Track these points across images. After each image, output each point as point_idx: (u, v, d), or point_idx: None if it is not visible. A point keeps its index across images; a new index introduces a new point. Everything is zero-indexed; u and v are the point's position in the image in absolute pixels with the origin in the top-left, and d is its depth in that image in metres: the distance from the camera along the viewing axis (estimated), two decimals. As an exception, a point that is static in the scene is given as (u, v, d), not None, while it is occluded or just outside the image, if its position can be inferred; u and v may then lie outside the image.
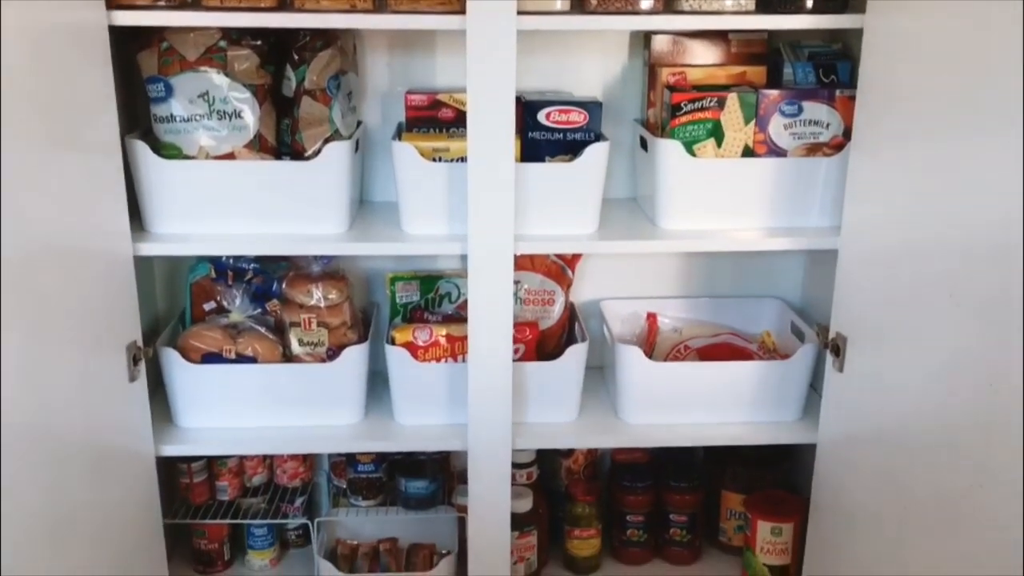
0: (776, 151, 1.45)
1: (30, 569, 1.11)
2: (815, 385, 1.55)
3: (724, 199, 1.46)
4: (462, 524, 1.63)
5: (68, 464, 1.20)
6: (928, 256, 1.15)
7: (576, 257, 1.62)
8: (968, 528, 1.09)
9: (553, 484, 1.76)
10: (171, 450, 1.48)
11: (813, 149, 1.46)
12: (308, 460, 1.73)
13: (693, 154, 1.44)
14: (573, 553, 1.69)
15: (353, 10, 1.31)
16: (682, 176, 1.44)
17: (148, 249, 1.39)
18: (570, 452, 1.74)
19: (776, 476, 1.72)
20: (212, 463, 1.66)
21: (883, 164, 1.25)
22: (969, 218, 1.06)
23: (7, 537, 1.03)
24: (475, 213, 1.35)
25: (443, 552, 1.66)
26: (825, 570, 1.48)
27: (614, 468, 1.76)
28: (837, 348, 1.38)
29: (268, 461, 1.71)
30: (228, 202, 1.40)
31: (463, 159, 1.37)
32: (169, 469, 1.64)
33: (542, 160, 1.44)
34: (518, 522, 1.58)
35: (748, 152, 1.46)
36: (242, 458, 1.68)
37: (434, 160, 1.41)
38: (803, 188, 1.46)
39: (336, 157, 1.40)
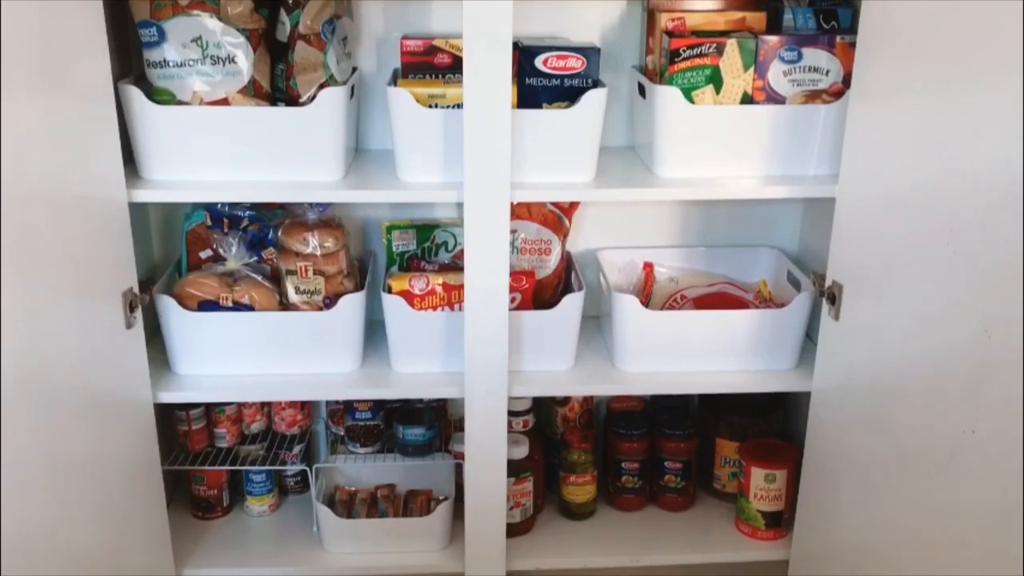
0: (775, 98, 1.44)
1: (29, 514, 1.12)
2: (811, 334, 1.55)
3: (722, 147, 1.45)
4: (459, 470, 1.65)
5: (66, 410, 1.21)
6: (927, 204, 1.15)
7: (573, 206, 1.61)
8: (960, 473, 1.10)
9: (549, 432, 1.77)
10: (168, 397, 1.49)
11: (812, 96, 1.45)
12: (306, 408, 1.74)
13: (692, 101, 1.43)
14: (569, 499, 1.71)
15: (347, -48, 1.29)
16: (680, 123, 1.43)
17: (142, 196, 1.38)
18: (566, 400, 1.76)
19: (770, 424, 1.73)
20: (210, 410, 1.67)
21: (883, 111, 1.24)
22: (969, 165, 1.05)
23: (6, 482, 1.04)
24: (471, 160, 1.34)
25: (440, 498, 1.68)
26: (818, 516, 1.50)
27: (609, 416, 1.78)
28: (833, 296, 1.38)
29: (266, 409, 1.72)
30: (222, 149, 1.39)
31: (459, 106, 1.35)
32: (167, 416, 1.65)
33: (539, 107, 1.42)
34: (514, 468, 1.60)
35: (747, 99, 1.44)
36: (240, 405, 1.69)
37: (430, 107, 1.40)
38: (802, 136, 1.45)
39: (331, 103, 1.39)
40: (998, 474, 1.03)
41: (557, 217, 1.59)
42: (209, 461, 1.67)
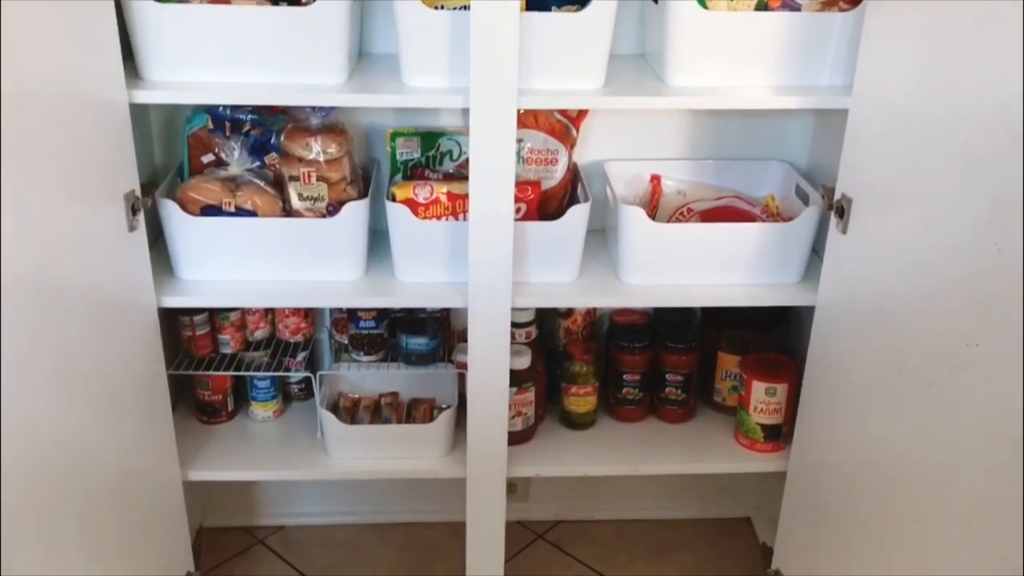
0: (790, 5, 1.40)
1: (33, 417, 1.13)
2: (817, 249, 1.54)
3: (735, 55, 1.41)
4: (462, 380, 1.66)
5: (70, 314, 1.21)
6: (942, 116, 1.12)
7: (581, 115, 1.58)
8: (962, 388, 1.11)
9: (552, 344, 1.78)
10: (172, 301, 1.49)
11: (829, 4, 1.41)
12: (310, 316, 1.74)
13: (705, 6, 1.39)
14: (570, 409, 1.73)
15: None
16: (693, 30, 1.39)
17: (143, 97, 1.35)
18: (569, 313, 1.76)
19: (772, 339, 1.73)
20: (214, 317, 1.68)
21: (901, 21, 1.20)
22: (987, 78, 1.03)
23: (9, 387, 1.05)
24: (477, 64, 1.31)
25: (443, 406, 1.70)
26: (817, 429, 1.51)
27: (612, 329, 1.78)
28: (842, 210, 1.37)
29: (270, 316, 1.72)
30: (223, 49, 1.36)
31: (466, 7, 1.32)
32: (171, 322, 1.66)
33: (548, 10, 1.38)
34: (516, 379, 1.61)
35: (762, 6, 1.40)
36: (243, 312, 1.69)
37: (436, 8, 1.36)
38: (816, 45, 1.41)
39: (335, 1, 1.35)
40: (1000, 388, 1.03)
41: (564, 127, 1.57)
42: (213, 367, 1.68)
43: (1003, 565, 1.03)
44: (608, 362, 1.77)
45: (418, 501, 1.97)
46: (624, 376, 1.73)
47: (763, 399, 1.63)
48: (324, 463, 1.66)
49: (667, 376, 1.73)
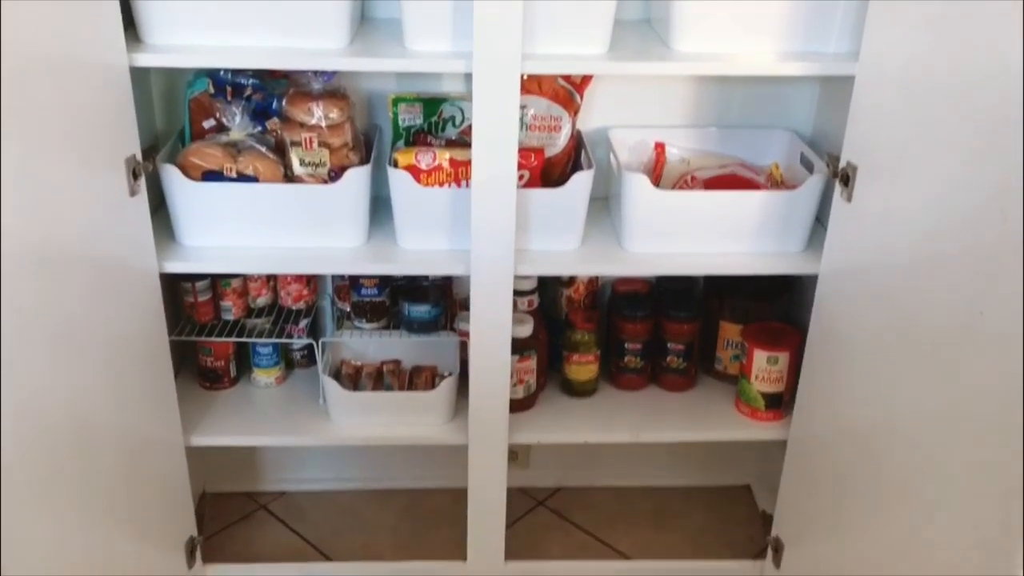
0: (798, -30, 1.39)
1: (35, 381, 1.13)
2: (821, 218, 1.53)
3: (741, 21, 1.40)
4: (464, 348, 1.66)
5: (71, 278, 1.21)
6: (949, 84, 1.11)
7: (585, 81, 1.57)
8: (965, 356, 1.11)
9: (554, 313, 1.78)
10: (173, 267, 1.48)
11: (837, -31, 1.39)
12: (312, 283, 1.74)
13: (711, -29, 1.37)
14: (571, 377, 1.73)
15: None
16: (698, -6, 1.38)
17: (143, 60, 1.34)
18: (571, 281, 1.75)
19: (775, 309, 1.73)
20: (216, 283, 1.67)
21: (910, -17, 1.19)
22: (995, 44, 1.02)
23: (12, 352, 1.05)
24: (481, 28, 1.30)
25: (445, 374, 1.70)
26: (818, 397, 1.52)
27: (614, 298, 1.78)
28: (847, 177, 1.36)
29: (272, 283, 1.72)
30: (224, 12, 1.35)
31: (470, -30, 1.30)
32: (174, 289, 1.66)
33: (553, -26, 1.37)
34: (518, 346, 1.61)
35: (769, -30, 1.39)
36: (246, 279, 1.69)
37: (439, -28, 1.34)
38: (823, 11, 1.39)
39: (336, -36, 1.34)
40: (1004, 357, 1.03)
41: (568, 92, 1.55)
42: (215, 333, 1.68)
43: (1004, 533, 1.03)
44: (610, 331, 1.77)
45: (420, 468, 1.98)
46: (626, 344, 1.74)
47: (764, 368, 1.63)
48: (326, 429, 1.66)
49: (669, 345, 1.73)
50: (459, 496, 1.70)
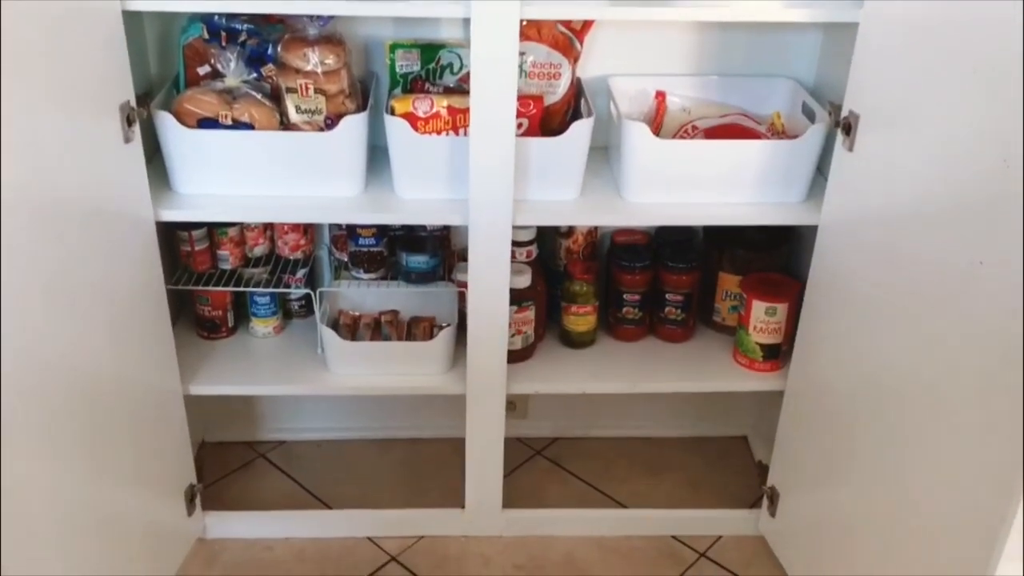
0: (803, -87, 1.36)
1: (33, 329, 1.13)
2: (822, 169, 1.52)
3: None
4: (462, 298, 1.66)
5: (67, 226, 1.20)
6: (953, 31, 1.10)
7: (585, 27, 1.54)
8: (964, 306, 1.10)
9: (552, 264, 1.77)
10: (169, 215, 1.47)
11: (843, -88, 1.36)
12: (309, 233, 1.73)
13: (714, -86, 1.35)
14: (569, 328, 1.73)
15: None
16: (701, -62, 1.36)
17: (135, 4, 1.32)
18: (570, 232, 1.75)
19: (773, 260, 1.73)
20: (212, 232, 1.67)
21: (918, -74, 1.17)
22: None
23: (9, 302, 1.05)
24: (480, -28, 1.28)
25: (443, 324, 1.70)
26: (816, 348, 1.52)
27: (613, 249, 1.77)
28: (848, 127, 1.34)
29: (269, 232, 1.71)
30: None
31: (467, -87, 1.28)
32: (170, 239, 1.65)
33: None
34: (516, 297, 1.60)
35: (773, -86, 1.36)
36: (242, 228, 1.68)
37: (436, -87, 1.32)
38: (828, -45, 1.37)
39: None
40: (1004, 306, 1.03)
41: (568, 39, 1.53)
42: (213, 282, 1.68)
43: (1001, 480, 1.04)
44: (608, 282, 1.77)
45: (418, 418, 1.99)
46: (624, 296, 1.73)
47: (763, 319, 1.63)
48: (325, 379, 1.67)
49: (667, 296, 1.73)
50: (457, 445, 1.71)
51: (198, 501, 1.71)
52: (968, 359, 1.11)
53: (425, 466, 1.95)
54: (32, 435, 1.15)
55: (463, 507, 1.76)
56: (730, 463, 1.98)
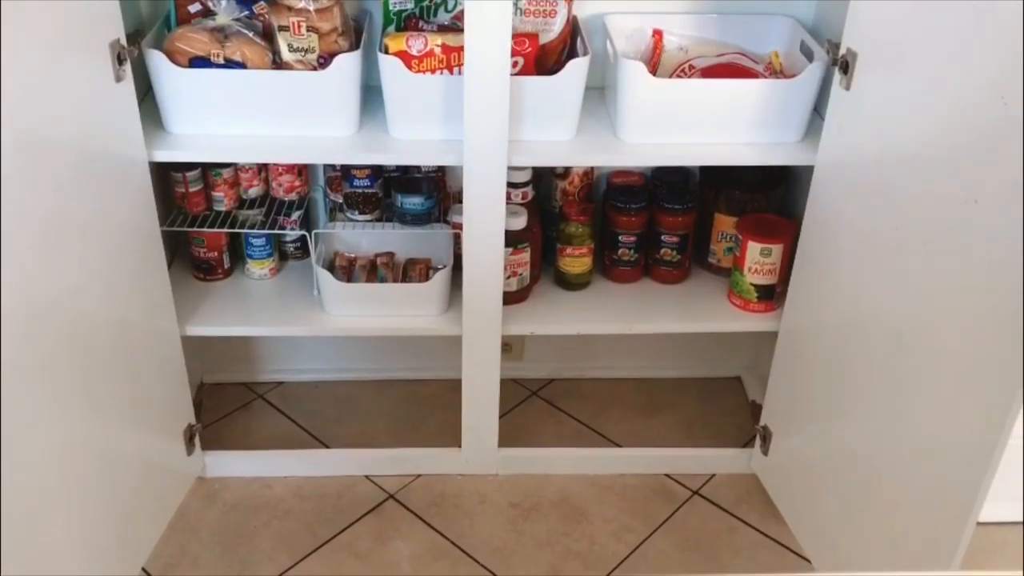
0: None
1: (29, 271, 1.13)
2: (819, 109, 1.51)
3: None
4: (457, 240, 1.66)
5: (59, 166, 1.20)
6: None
7: (581, -36, 1.52)
8: (961, 245, 1.11)
9: (548, 206, 1.77)
10: (163, 156, 1.46)
11: None
12: (303, 174, 1.72)
13: None
14: (565, 270, 1.74)
15: None
16: None
17: (123, -61, 1.30)
18: (566, 174, 1.74)
19: (770, 201, 1.72)
20: (207, 173, 1.66)
21: None
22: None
23: (4, 245, 1.04)
24: (474, -94, 1.25)
25: (439, 266, 1.70)
26: (810, 289, 1.52)
27: (609, 190, 1.77)
28: (846, 65, 1.33)
29: (263, 174, 1.70)
30: None
31: None
32: (164, 180, 1.64)
33: None
34: (512, 239, 1.60)
35: None
36: (236, 169, 1.67)
37: None
38: None
39: None
40: (998, 245, 1.03)
41: (563, -24, 1.51)
42: (208, 224, 1.67)
43: (990, 420, 1.05)
44: (604, 223, 1.76)
45: (415, 359, 2.00)
46: (620, 237, 1.73)
47: (758, 259, 1.63)
48: (321, 320, 1.67)
49: (663, 237, 1.73)
50: (454, 386, 1.73)
51: (197, 441, 1.73)
52: (962, 297, 1.12)
53: (422, 406, 1.97)
54: (29, 376, 1.15)
55: (460, 446, 1.78)
56: (724, 403, 2.00)
